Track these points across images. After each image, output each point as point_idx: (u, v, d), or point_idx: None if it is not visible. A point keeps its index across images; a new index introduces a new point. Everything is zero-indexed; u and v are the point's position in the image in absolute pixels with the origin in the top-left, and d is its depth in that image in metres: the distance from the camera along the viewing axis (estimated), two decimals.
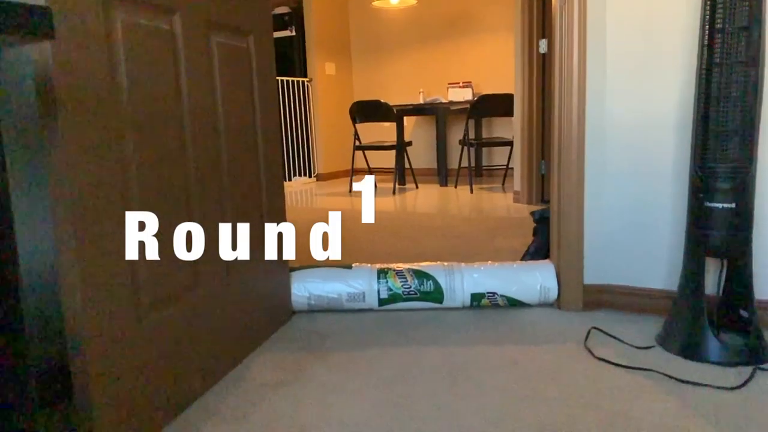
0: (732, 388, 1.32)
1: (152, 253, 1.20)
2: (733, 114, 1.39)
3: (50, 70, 0.93)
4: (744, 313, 1.52)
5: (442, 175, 5.48)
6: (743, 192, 1.42)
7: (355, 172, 5.54)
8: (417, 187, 5.41)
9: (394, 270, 1.95)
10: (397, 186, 5.30)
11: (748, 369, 1.40)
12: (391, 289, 1.91)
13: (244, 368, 1.53)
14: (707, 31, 1.41)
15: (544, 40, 3.73)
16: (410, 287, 1.91)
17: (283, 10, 6.30)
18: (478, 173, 6.07)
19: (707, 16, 1.41)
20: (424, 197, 4.81)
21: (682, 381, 1.36)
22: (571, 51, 1.78)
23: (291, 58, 6.31)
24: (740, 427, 1.16)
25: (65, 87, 0.96)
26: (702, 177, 1.46)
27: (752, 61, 1.36)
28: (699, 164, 1.46)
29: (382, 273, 1.94)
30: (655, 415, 1.22)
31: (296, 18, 6.25)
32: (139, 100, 1.15)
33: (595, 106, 1.81)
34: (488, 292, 1.89)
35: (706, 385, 1.33)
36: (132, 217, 1.14)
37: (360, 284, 1.92)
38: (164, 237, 1.24)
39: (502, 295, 1.89)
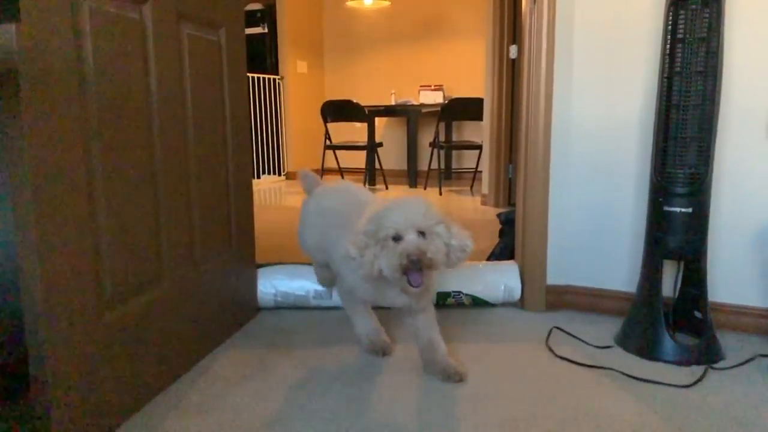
0: (685, 386, 1.36)
1: (116, 244, 1.18)
2: (692, 122, 1.44)
3: (14, 53, 0.91)
4: (698, 315, 1.58)
5: (412, 176, 5.50)
6: (700, 197, 1.47)
7: (325, 172, 5.52)
8: (387, 188, 5.43)
9: None
10: (367, 186, 5.31)
11: (701, 368, 1.45)
12: None
13: (208, 363, 1.52)
14: (669, 41, 1.46)
15: (514, 45, 3.79)
16: None
17: (255, 6, 6.24)
18: (447, 176, 6.12)
19: (669, 27, 1.46)
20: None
21: (639, 379, 1.40)
22: (539, 56, 1.82)
23: (263, 55, 6.25)
24: (691, 422, 1.20)
25: (29, 72, 0.94)
26: (661, 182, 1.50)
27: (710, 70, 1.42)
28: (658, 169, 1.51)
29: None
30: (613, 411, 1.26)
31: (269, 15, 6.21)
32: (106, 88, 1.14)
33: (561, 111, 1.85)
34: (454, 291, 1.91)
35: (661, 383, 1.38)
36: (96, 207, 1.13)
37: None
38: (129, 229, 1.22)
39: (467, 294, 1.92)
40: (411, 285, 1.23)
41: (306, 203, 1.75)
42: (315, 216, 1.65)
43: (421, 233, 1.23)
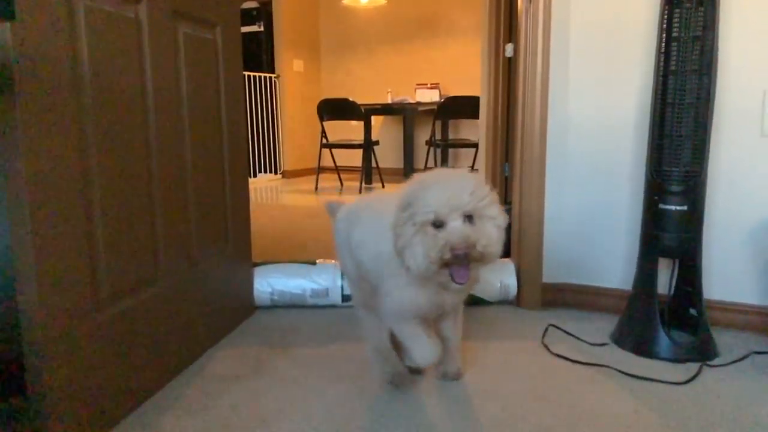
0: (680, 383, 1.37)
1: (111, 243, 1.18)
2: (687, 120, 1.44)
3: (9, 52, 0.91)
4: (693, 312, 1.58)
5: (409, 174, 5.50)
6: (695, 195, 1.48)
7: (321, 170, 5.52)
8: (383, 187, 5.43)
9: None
10: (363, 185, 5.31)
11: (696, 365, 1.46)
12: None
13: (205, 362, 1.52)
14: (664, 39, 1.46)
15: (510, 44, 3.79)
16: None
17: (251, 4, 6.23)
18: None
19: (665, 25, 1.46)
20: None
21: (635, 376, 1.41)
22: (535, 54, 1.82)
23: (259, 53, 6.25)
24: (686, 419, 1.21)
25: (24, 69, 0.94)
26: (656, 180, 1.51)
27: (705, 69, 1.42)
28: (654, 168, 1.51)
29: None
30: (609, 408, 1.26)
31: (265, 13, 6.20)
32: (101, 87, 1.13)
33: (557, 109, 1.85)
34: None
35: (656, 381, 1.38)
36: (91, 206, 1.12)
37: (324, 280, 1.92)
38: (124, 227, 1.22)
39: None
40: (455, 281, 1.03)
41: (336, 230, 1.54)
42: (345, 236, 1.44)
43: (468, 217, 1.01)
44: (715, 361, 1.49)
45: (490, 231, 1.03)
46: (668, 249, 1.53)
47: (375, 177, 5.60)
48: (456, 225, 1.00)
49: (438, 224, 1.01)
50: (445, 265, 1.01)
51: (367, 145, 5.30)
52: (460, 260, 0.99)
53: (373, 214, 1.29)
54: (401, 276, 1.14)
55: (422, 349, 1.21)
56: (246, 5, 6.22)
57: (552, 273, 1.94)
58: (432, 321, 1.29)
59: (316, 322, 1.83)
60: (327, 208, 1.67)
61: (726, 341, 1.61)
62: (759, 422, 1.20)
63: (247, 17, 6.21)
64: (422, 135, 6.19)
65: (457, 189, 1.01)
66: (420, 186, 1.05)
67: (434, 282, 1.09)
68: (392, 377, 1.36)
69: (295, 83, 6.37)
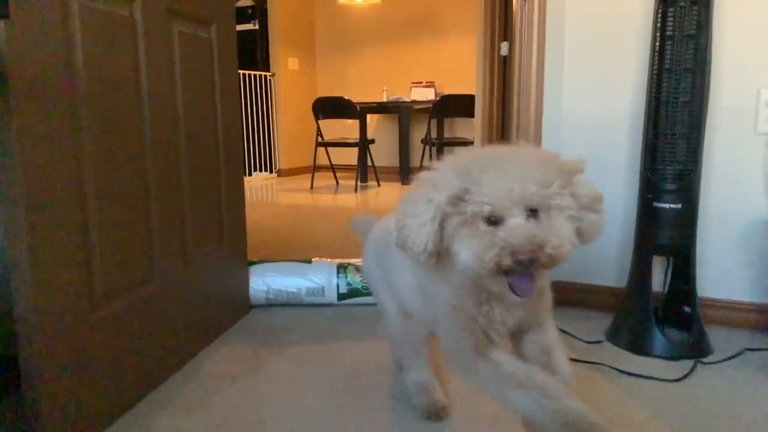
0: (674, 381, 1.38)
1: (106, 242, 1.18)
2: (681, 118, 1.45)
3: (3, 51, 0.91)
4: (687, 310, 1.59)
5: (404, 173, 5.51)
6: (689, 193, 1.49)
7: (317, 169, 5.51)
8: (379, 185, 5.43)
9: (354, 265, 1.96)
10: (359, 183, 5.31)
11: (690, 363, 1.46)
12: (350, 284, 1.92)
13: (201, 361, 1.52)
14: (658, 38, 1.47)
15: (505, 42, 3.80)
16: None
17: (246, 2, 6.22)
18: None
19: (659, 24, 1.46)
20: (386, 195, 4.84)
21: (629, 374, 1.41)
22: (530, 53, 1.82)
23: (254, 52, 6.23)
24: (680, 416, 1.21)
25: (18, 69, 0.94)
26: (650, 178, 1.52)
27: (699, 67, 1.43)
28: (648, 166, 1.52)
29: (342, 268, 1.94)
30: (603, 405, 1.27)
31: (260, 12, 6.18)
32: (96, 86, 1.13)
33: (552, 108, 1.85)
34: None
35: (650, 378, 1.39)
36: (86, 205, 1.12)
37: (320, 279, 1.92)
38: (120, 227, 1.22)
39: None
40: (515, 294, 0.80)
41: (366, 257, 1.33)
42: (377, 263, 1.25)
43: (533, 211, 0.79)
44: (709, 358, 1.50)
45: (561, 227, 0.79)
46: (662, 247, 1.54)
47: (371, 175, 5.60)
48: (518, 223, 0.77)
49: (494, 220, 0.78)
50: (503, 272, 0.78)
51: (363, 144, 5.30)
52: (524, 267, 0.76)
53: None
54: (440, 283, 0.92)
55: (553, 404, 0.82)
56: (241, 3, 6.21)
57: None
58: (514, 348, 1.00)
59: (312, 320, 1.83)
60: (354, 226, 1.44)
61: (719, 338, 1.62)
62: (753, 418, 1.20)
63: (242, 15, 6.19)
64: (418, 133, 6.19)
65: (521, 176, 0.78)
66: (475, 166, 0.80)
67: (483, 291, 0.87)
68: (428, 411, 1.22)
69: (291, 81, 6.36)
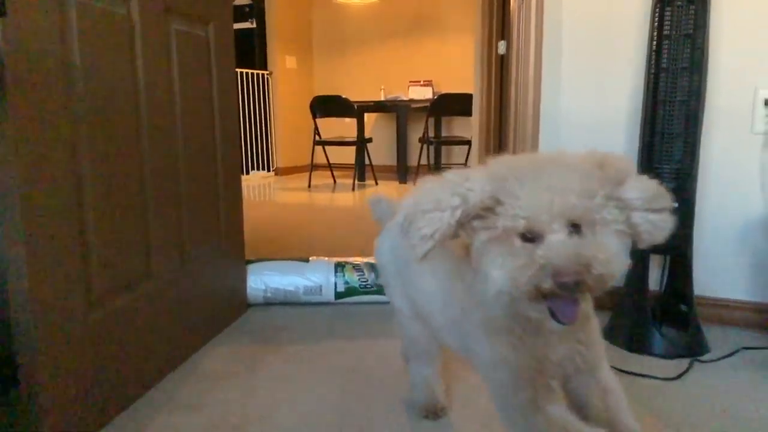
0: (671, 379, 1.38)
1: (104, 241, 1.18)
2: (678, 117, 1.45)
3: (0, 47, 0.91)
4: (684, 308, 1.60)
5: (402, 172, 5.51)
6: (686, 192, 1.49)
7: (314, 168, 5.51)
8: (377, 184, 5.43)
9: (352, 264, 1.96)
10: (356, 182, 5.31)
11: (687, 361, 1.47)
12: (348, 283, 1.92)
13: (198, 359, 1.52)
14: (655, 37, 1.47)
15: (503, 41, 3.80)
16: (367, 281, 1.92)
17: (244, 1, 6.20)
18: (437, 171, 6.13)
19: (656, 23, 1.47)
20: (384, 194, 4.83)
21: (626, 372, 1.42)
22: (527, 52, 1.82)
23: (251, 50, 6.22)
24: (677, 414, 1.22)
25: (15, 66, 0.94)
26: (647, 177, 1.52)
27: (696, 66, 1.43)
28: (644, 165, 1.52)
29: (339, 266, 1.94)
30: None
31: (257, 10, 6.17)
32: (93, 84, 1.13)
33: (549, 106, 1.86)
34: None
35: (647, 376, 1.39)
36: (83, 204, 1.12)
37: (317, 277, 1.92)
38: (117, 225, 1.22)
39: None
40: (558, 321, 0.69)
41: (379, 249, 1.19)
42: (392, 259, 1.13)
43: (575, 225, 0.68)
44: (706, 357, 1.50)
45: (609, 243, 0.69)
46: (659, 245, 1.53)
47: (368, 174, 5.60)
48: (560, 239, 0.67)
49: (530, 236, 0.68)
50: (542, 296, 0.67)
51: (361, 143, 5.30)
52: (568, 290, 0.65)
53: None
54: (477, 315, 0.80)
55: None
56: (238, 2, 6.20)
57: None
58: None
59: (309, 319, 1.83)
60: (372, 208, 1.29)
61: (716, 337, 1.62)
62: (749, 416, 1.21)
63: (240, 14, 6.18)
64: (415, 132, 6.19)
65: (562, 187, 0.68)
66: (510, 175, 0.71)
67: (520, 319, 0.76)
68: (426, 410, 1.21)
69: (288, 80, 6.35)
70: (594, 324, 0.85)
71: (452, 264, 0.85)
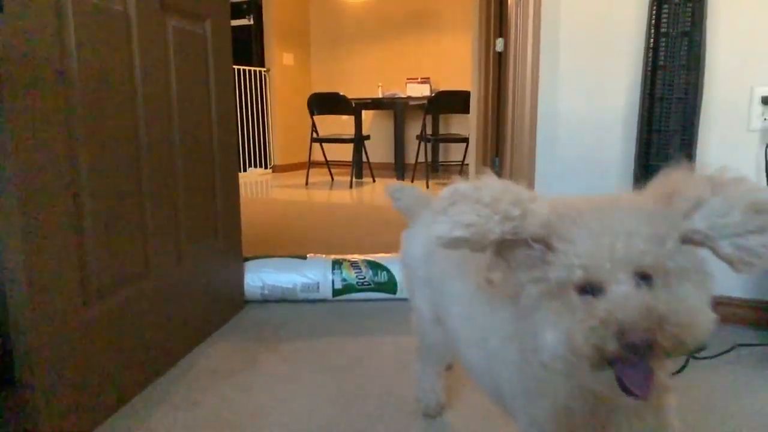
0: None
1: (100, 238, 1.18)
2: (675, 115, 1.46)
3: None
4: None
5: (399, 169, 5.51)
6: None
7: (312, 165, 5.51)
8: (374, 181, 5.43)
9: (349, 261, 1.96)
10: (354, 179, 5.31)
11: (682, 358, 1.47)
12: (345, 280, 1.92)
13: (195, 357, 1.52)
14: (653, 35, 1.47)
15: (501, 39, 3.80)
16: (364, 278, 1.92)
17: None
18: (434, 169, 6.13)
19: (653, 20, 1.47)
20: (381, 191, 4.83)
21: None
22: (525, 49, 1.82)
23: (248, 47, 6.21)
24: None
25: (12, 63, 0.93)
26: (644, 175, 1.52)
27: (693, 64, 1.43)
28: (642, 162, 1.53)
29: (336, 263, 1.94)
30: None
31: (255, 7, 6.16)
32: (89, 82, 1.13)
33: (547, 104, 1.86)
34: None
35: None
36: (80, 201, 1.12)
37: (314, 275, 1.92)
38: (114, 222, 1.22)
39: None
40: (629, 393, 0.55)
41: (410, 239, 1.08)
42: (422, 261, 1.01)
43: (644, 276, 0.56)
44: (701, 354, 1.51)
45: (688, 296, 0.57)
46: None
47: (366, 172, 5.60)
48: (625, 291, 0.55)
49: (590, 289, 0.57)
50: (607, 361, 0.55)
51: (358, 140, 5.30)
52: (638, 353, 0.53)
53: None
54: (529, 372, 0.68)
55: None
56: None
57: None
58: None
59: (306, 316, 1.83)
60: (393, 196, 1.18)
61: (712, 334, 1.63)
62: (744, 413, 1.21)
63: (237, 10, 6.17)
64: (413, 129, 6.19)
65: (625, 229, 0.57)
66: (564, 217, 0.60)
67: (585, 391, 0.63)
68: (427, 409, 1.21)
69: (285, 77, 6.34)
70: (671, 403, 0.68)
71: (513, 307, 0.68)
